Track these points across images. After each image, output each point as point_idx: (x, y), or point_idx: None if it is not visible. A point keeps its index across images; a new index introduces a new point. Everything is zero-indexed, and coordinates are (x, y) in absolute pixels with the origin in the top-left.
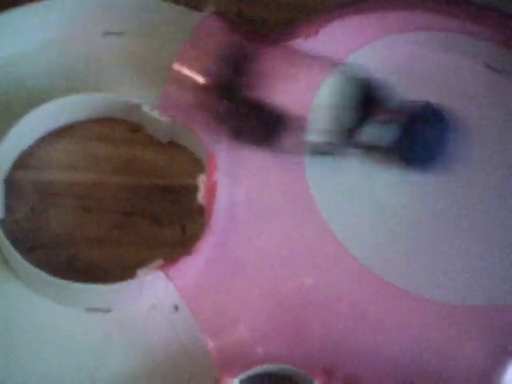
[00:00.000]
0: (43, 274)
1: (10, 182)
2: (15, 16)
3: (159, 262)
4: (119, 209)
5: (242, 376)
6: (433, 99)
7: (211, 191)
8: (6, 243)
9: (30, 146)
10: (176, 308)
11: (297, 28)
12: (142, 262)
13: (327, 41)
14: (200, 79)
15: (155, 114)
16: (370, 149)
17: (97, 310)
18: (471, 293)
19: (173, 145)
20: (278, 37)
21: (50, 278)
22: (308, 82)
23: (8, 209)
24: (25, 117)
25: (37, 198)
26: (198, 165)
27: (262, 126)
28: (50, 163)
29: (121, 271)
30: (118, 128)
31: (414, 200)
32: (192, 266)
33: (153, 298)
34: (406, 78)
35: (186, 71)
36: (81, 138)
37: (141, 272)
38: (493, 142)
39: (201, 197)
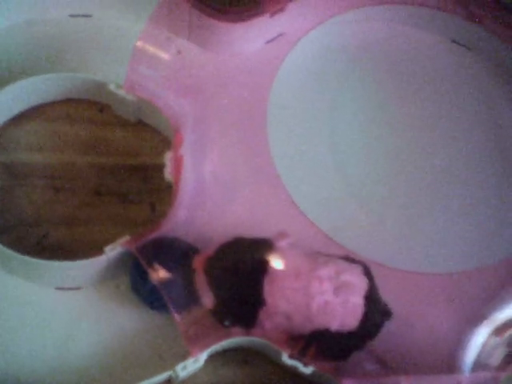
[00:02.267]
0: (13, 254)
1: None
2: None
3: (126, 238)
4: (88, 188)
5: (211, 349)
6: (399, 75)
7: (177, 167)
8: None
9: None
10: None
11: (263, 4)
12: (112, 241)
13: (293, 16)
14: (163, 56)
15: (121, 92)
16: None
17: (67, 288)
18: (434, 261)
19: (141, 124)
20: (243, 13)
21: (20, 257)
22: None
23: None
24: None
25: (6, 179)
26: (166, 143)
27: None
28: (19, 144)
29: (90, 250)
30: (86, 108)
31: (379, 168)
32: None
33: (121, 275)
34: (370, 53)
35: (149, 48)
36: (49, 119)
37: (108, 249)
38: (462, 117)
39: (168, 173)
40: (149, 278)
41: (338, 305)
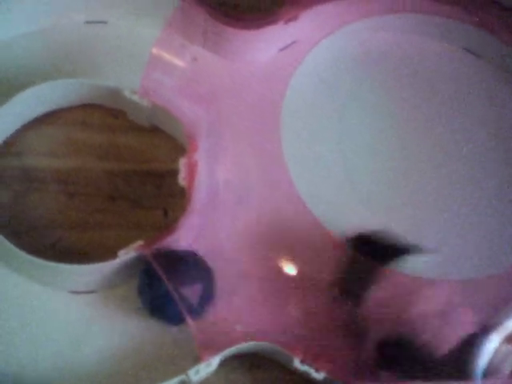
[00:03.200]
0: (27, 257)
1: None
2: None
3: (139, 242)
4: (101, 193)
5: (223, 354)
6: (410, 83)
7: (191, 172)
8: None
9: (12, 133)
10: None
11: (277, 12)
12: (125, 245)
13: (307, 24)
14: (178, 62)
15: (136, 98)
16: None
17: (80, 292)
18: (446, 267)
19: (155, 130)
20: (258, 21)
21: (35, 260)
22: None
23: None
24: (6, 104)
25: (20, 184)
26: (179, 150)
27: None
28: (33, 150)
29: (104, 254)
30: (100, 114)
31: (389, 175)
32: (172, 245)
33: (134, 279)
34: (381, 61)
35: (165, 55)
36: (63, 125)
37: (121, 253)
38: (473, 126)
39: (182, 178)
40: (155, 286)
41: (432, 323)
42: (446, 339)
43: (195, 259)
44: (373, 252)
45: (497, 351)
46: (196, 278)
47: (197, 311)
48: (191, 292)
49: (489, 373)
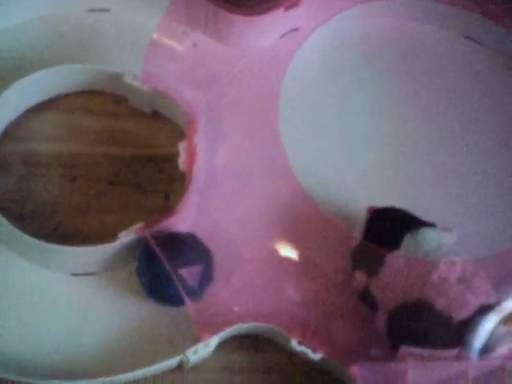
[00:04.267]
0: (30, 239)
1: None
2: None
3: (139, 225)
4: (103, 178)
5: (221, 335)
6: (410, 70)
7: (191, 155)
8: None
9: (16, 118)
10: None
11: None
12: (126, 229)
13: (307, 11)
14: (179, 48)
15: (137, 83)
16: None
17: (81, 273)
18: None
19: (156, 115)
20: (259, 7)
21: (37, 243)
22: None
23: None
24: (10, 89)
25: (23, 169)
26: (180, 134)
27: None
28: (36, 135)
29: (105, 238)
30: (102, 100)
31: (389, 160)
32: (172, 227)
33: (134, 262)
34: (381, 47)
35: (166, 41)
36: (66, 110)
37: (122, 235)
38: (473, 112)
39: (181, 162)
40: (154, 267)
41: (454, 288)
42: (466, 304)
43: (194, 241)
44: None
45: (493, 333)
46: (195, 259)
47: (195, 292)
48: (190, 274)
49: (484, 354)
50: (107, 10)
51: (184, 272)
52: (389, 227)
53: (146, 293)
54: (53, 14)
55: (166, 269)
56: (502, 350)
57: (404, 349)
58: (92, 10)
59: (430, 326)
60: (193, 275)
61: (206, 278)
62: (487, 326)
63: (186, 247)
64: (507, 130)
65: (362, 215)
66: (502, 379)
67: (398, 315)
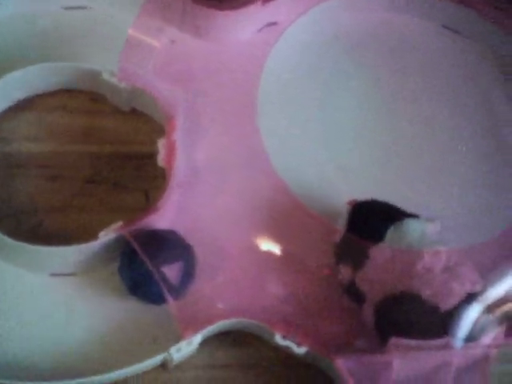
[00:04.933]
0: (9, 240)
1: None
2: None
3: (119, 223)
4: (82, 177)
5: (205, 332)
6: (389, 61)
7: (170, 152)
8: None
9: None
10: None
11: None
12: (107, 228)
13: (285, 5)
14: (156, 44)
15: (114, 80)
16: None
17: (61, 274)
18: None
19: (134, 113)
20: (236, 2)
21: (16, 244)
22: None
23: None
24: None
25: (1, 170)
26: (159, 131)
27: None
28: (13, 135)
29: (85, 237)
30: (80, 98)
31: (370, 152)
32: (153, 225)
33: (116, 261)
34: (360, 40)
35: (142, 37)
36: (42, 109)
37: (102, 234)
38: (454, 100)
39: (161, 159)
40: (135, 266)
41: (439, 278)
42: (451, 293)
43: (175, 238)
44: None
45: (476, 321)
46: (176, 257)
47: (178, 290)
48: (172, 271)
49: (469, 343)
50: (84, 8)
51: (166, 269)
52: (372, 219)
53: (128, 291)
54: (28, 12)
55: (147, 267)
56: (486, 338)
57: (394, 341)
58: (68, 8)
59: (418, 317)
60: (175, 272)
61: (188, 275)
62: (472, 315)
63: (167, 244)
64: (488, 118)
65: (344, 209)
66: (485, 368)
67: (385, 307)
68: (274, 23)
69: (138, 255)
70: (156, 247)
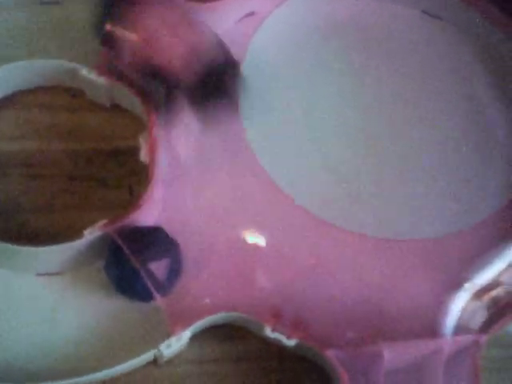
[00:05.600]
0: None
1: None
2: None
3: (103, 221)
4: (65, 174)
5: (194, 327)
6: (371, 49)
7: (152, 147)
8: None
9: None
10: None
11: None
12: (91, 225)
13: None
14: (133, 37)
15: (93, 76)
16: None
17: (47, 273)
18: (411, 227)
19: (115, 108)
20: None
21: (0, 244)
22: None
23: None
24: None
25: None
26: (141, 126)
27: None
28: None
29: (70, 236)
30: (59, 95)
31: (354, 141)
32: (137, 222)
33: (102, 259)
34: (341, 28)
35: (119, 30)
36: (22, 108)
37: (87, 232)
38: (436, 87)
39: (143, 155)
40: (121, 263)
41: None
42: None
43: (160, 234)
44: None
45: (465, 308)
46: (162, 253)
47: (165, 286)
48: (158, 267)
49: (458, 330)
50: (58, 3)
51: (152, 266)
52: None
53: (115, 289)
54: (3, 8)
55: (133, 264)
56: (475, 324)
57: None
58: (44, 3)
59: None
60: (161, 269)
61: (175, 271)
62: (460, 303)
63: (152, 241)
64: (471, 105)
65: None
66: (476, 354)
67: None
68: (252, 13)
69: (123, 253)
70: (142, 244)
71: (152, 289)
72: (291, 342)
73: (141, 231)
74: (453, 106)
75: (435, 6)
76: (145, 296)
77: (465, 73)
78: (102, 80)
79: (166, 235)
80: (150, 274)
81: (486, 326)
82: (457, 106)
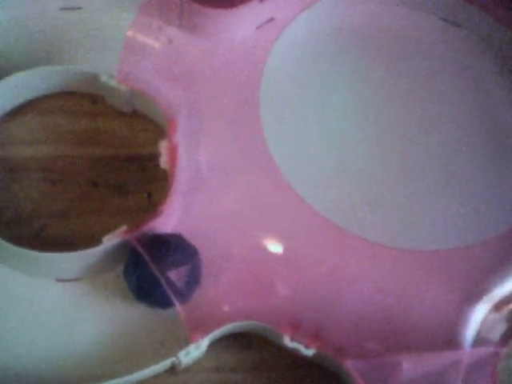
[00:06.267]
0: (13, 247)
1: None
2: None
3: (123, 228)
4: (84, 180)
5: (212, 335)
6: (389, 56)
7: (172, 154)
8: None
9: None
10: None
11: None
12: (110, 231)
13: (284, 1)
14: (155, 45)
15: (113, 83)
16: None
17: (66, 279)
18: (431, 237)
19: (135, 114)
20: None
21: (20, 250)
22: None
23: None
24: None
25: (1, 175)
26: (161, 133)
27: None
28: (13, 139)
29: (89, 241)
30: (79, 101)
31: (372, 148)
32: (157, 229)
33: (121, 265)
34: (360, 35)
35: (140, 38)
36: (42, 113)
37: (106, 239)
38: (454, 95)
39: (163, 162)
40: (141, 270)
41: None
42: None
43: (180, 242)
44: None
45: (484, 320)
46: (182, 260)
47: (184, 294)
48: (178, 275)
49: (477, 342)
50: (80, 8)
51: (172, 274)
52: None
53: (134, 296)
54: (24, 15)
55: (153, 271)
56: (494, 336)
57: None
58: (64, 9)
59: None
60: (181, 276)
61: (195, 279)
62: (479, 314)
63: (171, 248)
64: (487, 113)
65: (347, 206)
66: (494, 365)
67: None
68: (272, 19)
69: (143, 260)
70: (161, 252)
71: (171, 296)
72: (310, 352)
73: (161, 238)
74: (469, 116)
75: (454, 14)
76: (164, 303)
77: (483, 82)
78: (122, 87)
79: (186, 242)
80: (170, 282)
81: (506, 338)
82: (473, 116)
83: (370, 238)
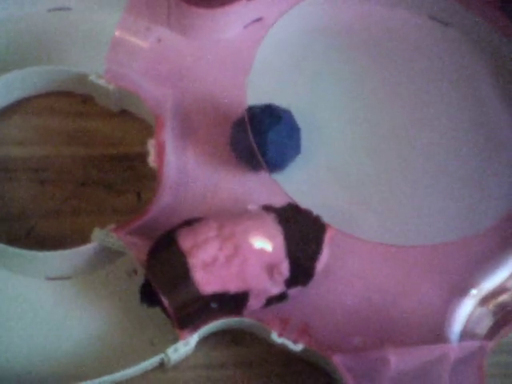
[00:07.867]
0: (2, 246)
1: None
2: None
3: (112, 226)
4: (73, 179)
5: (201, 332)
6: (377, 54)
7: (160, 152)
8: None
9: None
10: (135, 272)
11: None
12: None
13: (270, 2)
14: (142, 44)
15: (102, 82)
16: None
17: (57, 278)
18: (419, 233)
19: (124, 114)
20: None
21: (9, 249)
22: None
23: None
24: None
25: None
26: (150, 132)
27: None
28: (3, 139)
29: (79, 241)
30: (68, 100)
31: (361, 146)
32: (143, 227)
33: (110, 264)
34: (347, 33)
35: (128, 37)
36: (32, 112)
37: (95, 237)
38: (442, 92)
39: (151, 160)
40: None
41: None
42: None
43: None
44: None
45: (471, 315)
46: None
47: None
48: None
49: (464, 337)
50: (68, 9)
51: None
52: None
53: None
54: (12, 16)
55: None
56: (481, 330)
57: None
58: (53, 10)
59: None
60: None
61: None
62: (466, 309)
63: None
64: (476, 111)
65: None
66: (481, 359)
67: None
68: (260, 19)
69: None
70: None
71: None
72: (298, 347)
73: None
74: (462, 112)
75: (442, 12)
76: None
77: (471, 79)
78: (111, 86)
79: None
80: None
81: (492, 332)
82: (465, 112)
83: (356, 234)
